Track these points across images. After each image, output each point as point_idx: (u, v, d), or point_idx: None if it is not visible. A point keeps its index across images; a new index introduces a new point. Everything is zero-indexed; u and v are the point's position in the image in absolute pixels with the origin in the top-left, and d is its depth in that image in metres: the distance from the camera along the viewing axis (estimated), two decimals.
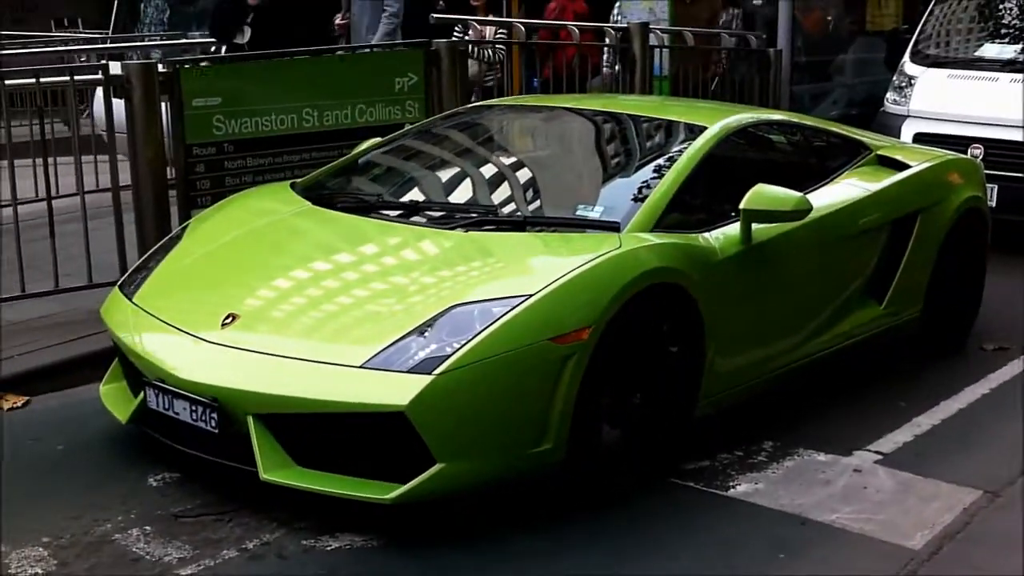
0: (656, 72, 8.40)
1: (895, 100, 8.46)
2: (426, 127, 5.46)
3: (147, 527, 3.68)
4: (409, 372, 3.52)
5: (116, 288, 4.51)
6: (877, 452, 4.38)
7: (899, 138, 7.76)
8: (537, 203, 4.68)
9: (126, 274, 4.72)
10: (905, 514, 3.86)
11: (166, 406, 3.84)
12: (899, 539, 3.69)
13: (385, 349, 3.60)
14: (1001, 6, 8.77)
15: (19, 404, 4.71)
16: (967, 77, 8.21)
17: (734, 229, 4.37)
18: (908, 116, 8.21)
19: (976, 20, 8.91)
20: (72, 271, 5.74)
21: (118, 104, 5.63)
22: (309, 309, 3.98)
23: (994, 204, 7.44)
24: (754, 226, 4.39)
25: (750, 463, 4.26)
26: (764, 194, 4.32)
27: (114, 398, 4.28)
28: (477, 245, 4.16)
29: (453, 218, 4.38)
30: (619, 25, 8.62)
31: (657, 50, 8.47)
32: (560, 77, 7.81)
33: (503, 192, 4.75)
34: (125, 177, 5.80)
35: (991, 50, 8.51)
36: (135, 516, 3.75)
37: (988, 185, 7.31)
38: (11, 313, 5.51)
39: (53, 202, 5.77)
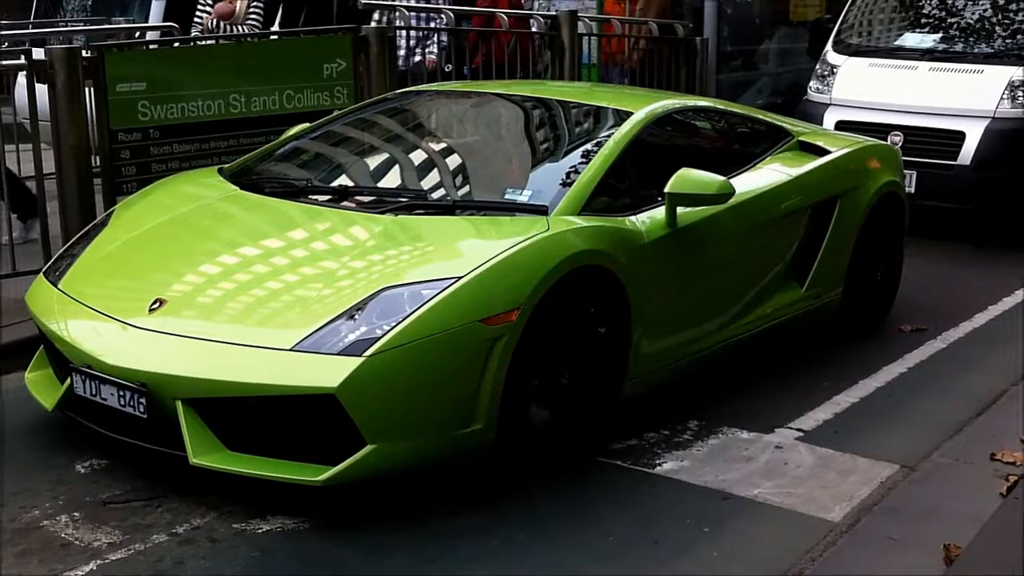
0: (584, 60, 8.47)
1: (818, 88, 8.64)
2: (355, 112, 5.47)
3: (76, 513, 3.66)
4: (339, 355, 3.54)
5: (41, 275, 4.46)
6: (798, 429, 4.51)
7: (821, 125, 7.94)
8: (466, 188, 4.72)
9: (51, 261, 4.66)
10: (824, 488, 3.98)
11: (93, 392, 3.82)
12: (819, 512, 3.81)
13: (315, 332, 3.62)
14: None
15: None
16: (888, 66, 8.41)
17: (660, 213, 4.45)
18: (830, 104, 8.39)
19: (897, 10, 9.11)
20: None
21: (41, 90, 5.55)
22: (238, 294, 3.98)
23: (913, 190, 7.65)
24: (679, 210, 4.48)
25: (676, 441, 4.36)
26: (688, 178, 4.40)
27: (40, 385, 4.24)
28: (406, 229, 4.19)
29: (382, 203, 4.41)
30: (548, 13, 8.67)
31: (585, 38, 8.54)
32: (490, 65, 7.84)
33: (432, 177, 4.79)
34: (49, 165, 5.73)
35: (911, 39, 8.72)
36: (63, 502, 3.73)
37: (907, 171, 7.52)
38: None
39: None
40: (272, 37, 6.91)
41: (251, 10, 7.35)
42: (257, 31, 7.29)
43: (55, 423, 4.20)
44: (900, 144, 7.64)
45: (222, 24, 7.34)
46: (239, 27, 7.28)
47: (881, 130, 7.73)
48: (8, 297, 5.35)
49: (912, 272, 6.23)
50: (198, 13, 7.82)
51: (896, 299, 6.02)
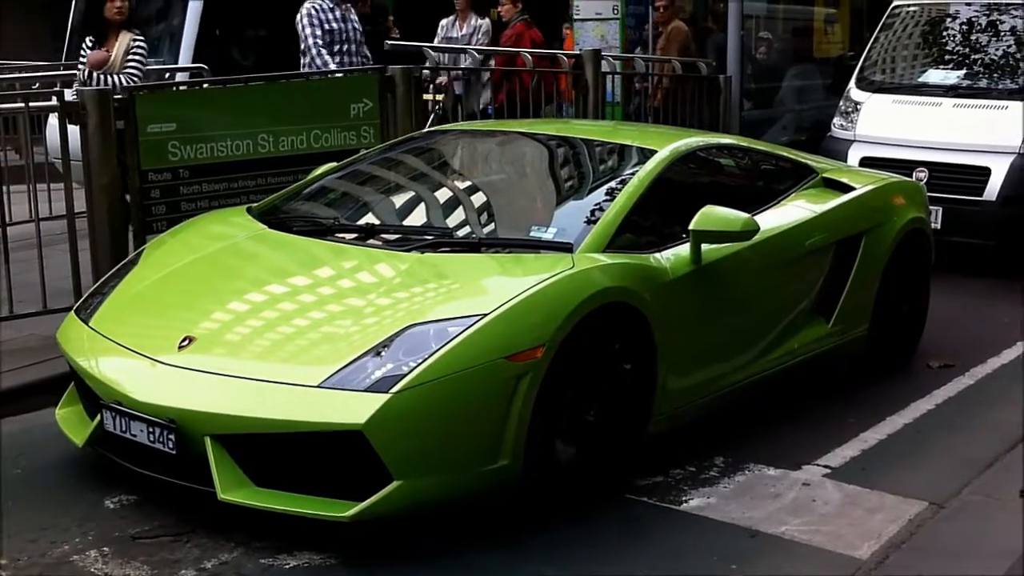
0: (608, 98, 8.53)
1: (842, 125, 8.66)
2: (381, 152, 5.53)
3: (105, 548, 3.69)
4: (366, 391, 3.57)
5: (72, 313, 4.52)
6: (825, 466, 4.49)
7: (846, 162, 7.95)
8: (491, 225, 4.76)
9: (82, 299, 4.72)
10: (852, 525, 3.96)
11: (123, 428, 3.86)
12: (846, 549, 3.78)
13: (342, 369, 3.65)
14: (944, 33, 9.01)
15: None
16: (911, 102, 8.42)
17: (684, 250, 4.47)
18: (854, 141, 8.40)
19: (920, 47, 9.14)
20: (27, 298, 5.74)
21: (73, 130, 5.64)
22: (266, 331, 4.02)
23: (939, 226, 7.64)
24: (704, 247, 4.50)
25: (702, 478, 4.35)
26: (712, 215, 4.42)
27: (70, 422, 4.29)
28: (432, 267, 4.23)
29: (408, 240, 4.45)
30: (572, 52, 8.75)
31: (609, 76, 8.61)
32: (515, 103, 7.92)
33: (458, 215, 4.83)
34: (80, 204, 5.82)
35: (935, 76, 8.73)
36: (93, 538, 3.76)
37: (933, 207, 7.51)
38: None
39: (8, 229, 5.76)
40: (299, 78, 6.96)
41: (130, 59, 6.77)
42: (139, 80, 6.75)
43: (85, 459, 4.24)
44: (925, 180, 7.64)
45: (95, 75, 6.72)
46: (115, 76, 6.70)
47: (906, 166, 7.73)
48: (39, 334, 5.41)
49: (939, 308, 6.21)
50: (79, 64, 7.14)
51: (923, 335, 5.99)
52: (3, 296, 5.65)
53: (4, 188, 5.95)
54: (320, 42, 7.33)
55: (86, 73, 6.74)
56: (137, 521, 3.87)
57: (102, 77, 6.64)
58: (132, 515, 3.92)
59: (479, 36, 9.03)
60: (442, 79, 8.31)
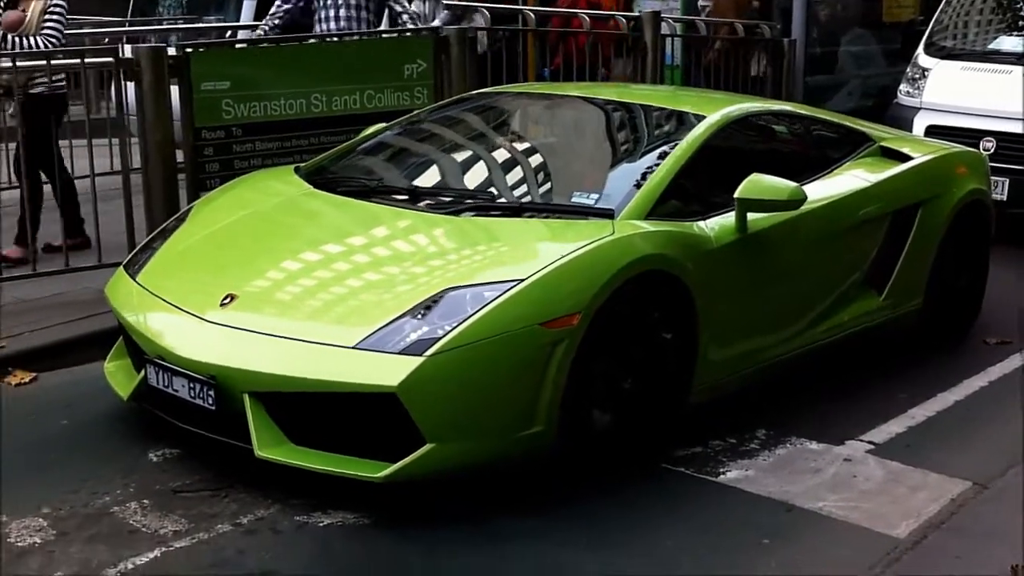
0: (668, 61, 8.40)
1: (908, 92, 8.44)
2: (430, 113, 5.51)
3: (145, 500, 3.77)
4: (400, 353, 3.58)
5: (121, 268, 4.59)
6: (870, 442, 4.42)
7: (911, 131, 7.76)
8: (536, 189, 4.73)
9: (131, 254, 4.80)
10: (892, 503, 3.90)
11: (166, 383, 3.93)
12: (884, 528, 3.73)
13: (378, 331, 3.67)
14: None
15: (27, 380, 4.81)
16: (981, 70, 8.18)
17: (730, 218, 4.41)
18: (921, 108, 8.19)
19: (995, 11, 8.86)
20: (83, 251, 5.84)
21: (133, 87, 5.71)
22: (307, 291, 4.05)
23: (1005, 198, 7.44)
24: (751, 216, 4.43)
25: (742, 450, 4.31)
26: (759, 183, 4.35)
27: (117, 376, 4.37)
28: (473, 230, 4.22)
29: (452, 203, 4.44)
30: (631, 14, 8.63)
31: (669, 39, 8.48)
32: (571, 66, 7.84)
33: (501, 178, 4.81)
34: (136, 161, 5.90)
35: (1008, 43, 8.46)
36: (134, 490, 3.84)
37: (1000, 179, 7.33)
38: (22, 291, 5.61)
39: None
40: (353, 37, 6.95)
41: (47, 19, 6.20)
42: (57, 42, 6.20)
43: (132, 412, 4.32)
44: (993, 150, 7.44)
45: (9, 37, 6.12)
46: (32, 38, 6.13)
47: (973, 135, 7.52)
48: (93, 288, 5.51)
49: (1000, 283, 6.06)
50: None
51: (982, 310, 5.85)
52: (61, 249, 5.76)
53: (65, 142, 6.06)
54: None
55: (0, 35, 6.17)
56: (178, 475, 3.95)
57: (16, 39, 6.13)
58: (174, 469, 3.99)
59: None
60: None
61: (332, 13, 7.07)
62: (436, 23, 7.52)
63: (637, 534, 3.65)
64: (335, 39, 6.85)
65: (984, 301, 5.85)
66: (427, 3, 7.71)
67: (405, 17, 7.18)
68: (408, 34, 6.93)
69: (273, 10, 7.29)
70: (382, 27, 7.27)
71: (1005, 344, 5.66)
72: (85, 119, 5.91)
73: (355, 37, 6.92)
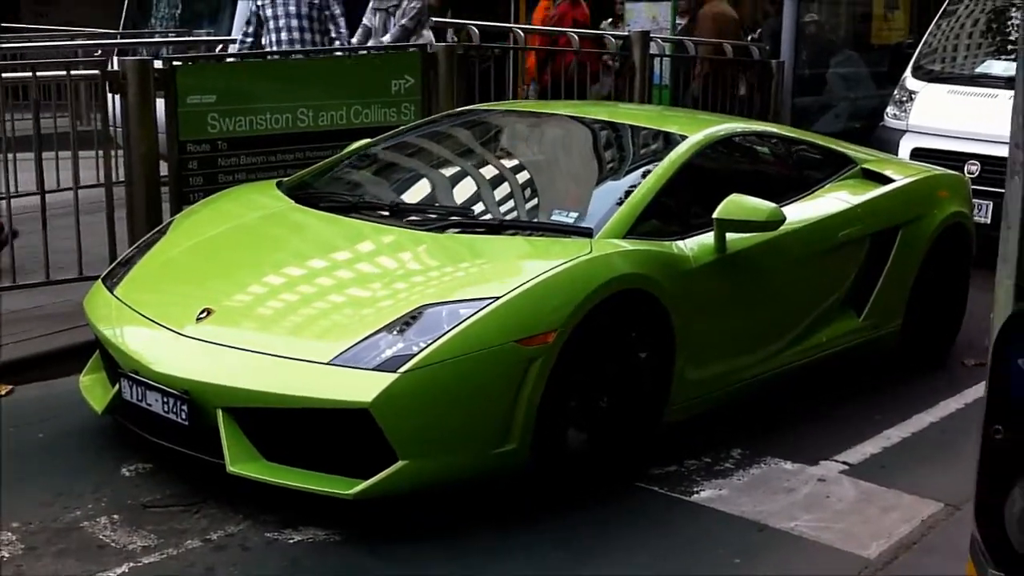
0: (656, 81, 8.44)
1: (895, 115, 8.49)
2: (414, 129, 5.53)
3: (116, 515, 3.75)
4: (375, 370, 3.58)
5: (99, 281, 4.59)
6: (844, 463, 4.42)
7: (897, 153, 7.79)
8: (516, 207, 4.74)
9: (110, 267, 4.79)
10: (864, 523, 3.90)
11: (139, 398, 3.92)
12: (855, 548, 3.73)
13: (353, 347, 3.67)
14: (1009, 23, 8.77)
15: (3, 393, 4.80)
16: (967, 93, 8.23)
17: (709, 238, 4.42)
18: (907, 131, 8.24)
19: (984, 35, 8.90)
20: (64, 263, 5.84)
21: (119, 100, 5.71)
22: (283, 306, 4.05)
23: (988, 220, 7.47)
24: (731, 236, 4.44)
25: (717, 470, 4.31)
26: (738, 204, 4.36)
27: (92, 389, 4.36)
28: (451, 247, 4.23)
29: (431, 220, 4.45)
30: (620, 33, 8.66)
31: (657, 59, 8.52)
32: (559, 84, 7.87)
33: (483, 195, 4.82)
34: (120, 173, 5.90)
35: (995, 67, 8.51)
36: (105, 504, 3.83)
37: (984, 201, 7.36)
38: (3, 303, 5.60)
39: (48, 196, 5.87)
40: (340, 53, 6.97)
41: None
42: None
43: (107, 426, 4.31)
44: (977, 173, 7.47)
45: None
46: None
47: (958, 158, 7.57)
48: (74, 300, 5.50)
49: (980, 305, 6.05)
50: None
51: (961, 332, 5.87)
52: (41, 262, 5.75)
53: (45, 155, 6.05)
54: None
55: None
56: (150, 490, 3.93)
57: None
58: (146, 484, 3.98)
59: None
60: None
61: (274, 38, 7.11)
62: (386, 39, 7.54)
63: (610, 552, 3.65)
64: (323, 54, 6.86)
65: (963, 323, 5.86)
66: (378, 16, 7.71)
67: (338, 43, 7.16)
68: (397, 50, 6.95)
69: (240, 36, 7.36)
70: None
71: (982, 366, 5.65)
72: (71, 130, 5.91)
73: (342, 53, 6.94)
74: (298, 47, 7.04)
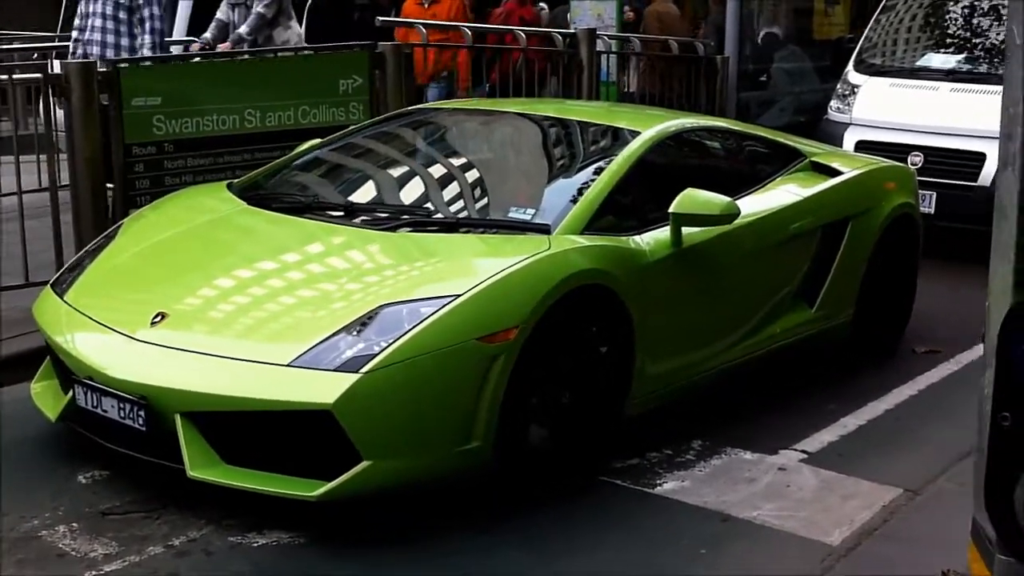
0: (603, 78, 8.47)
1: (838, 108, 8.60)
2: (366, 128, 5.49)
3: (74, 524, 3.68)
4: (336, 371, 3.55)
5: (48, 286, 4.50)
6: (803, 451, 4.47)
7: (841, 146, 7.90)
8: (472, 205, 4.72)
9: (58, 273, 4.70)
10: (825, 511, 3.95)
11: (95, 404, 3.85)
12: (818, 535, 3.77)
13: (313, 348, 3.63)
14: (947, 16, 8.92)
15: None
16: (909, 86, 8.36)
17: (665, 233, 4.44)
18: (851, 124, 8.35)
19: (922, 29, 9.05)
20: (10, 270, 5.72)
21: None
22: (240, 309, 4.00)
23: (932, 211, 7.61)
24: (686, 230, 4.47)
25: (678, 461, 4.33)
26: (693, 198, 4.39)
27: (44, 396, 4.28)
28: (408, 246, 4.20)
29: (387, 219, 4.42)
30: (566, 31, 8.69)
31: (604, 56, 8.55)
32: (508, 82, 7.87)
33: (437, 194, 4.80)
34: (64, 177, 5.79)
35: (935, 60, 8.66)
36: (63, 513, 3.76)
37: (927, 192, 7.49)
38: None
39: None
40: (287, 53, 6.91)
41: None
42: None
43: (60, 434, 4.23)
44: (920, 164, 7.59)
45: None
46: None
47: (901, 150, 7.69)
48: (20, 307, 5.39)
49: (929, 294, 6.17)
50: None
51: (911, 321, 5.96)
52: None
53: None
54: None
55: None
56: (108, 497, 3.87)
57: None
58: (103, 491, 3.91)
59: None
60: None
61: (87, 37, 6.76)
62: (243, 29, 7.45)
63: (576, 547, 3.65)
64: (269, 54, 6.79)
65: (913, 312, 5.95)
66: (237, 11, 7.62)
67: (145, 50, 6.77)
68: (344, 50, 6.90)
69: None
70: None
71: (933, 353, 5.77)
72: (13, 135, 5.80)
73: (289, 52, 6.88)
74: (107, 51, 6.64)
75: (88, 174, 5.59)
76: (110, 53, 6.57)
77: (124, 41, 6.75)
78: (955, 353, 5.78)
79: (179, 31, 9.51)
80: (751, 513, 3.92)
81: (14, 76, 5.85)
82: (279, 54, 6.85)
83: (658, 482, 4.15)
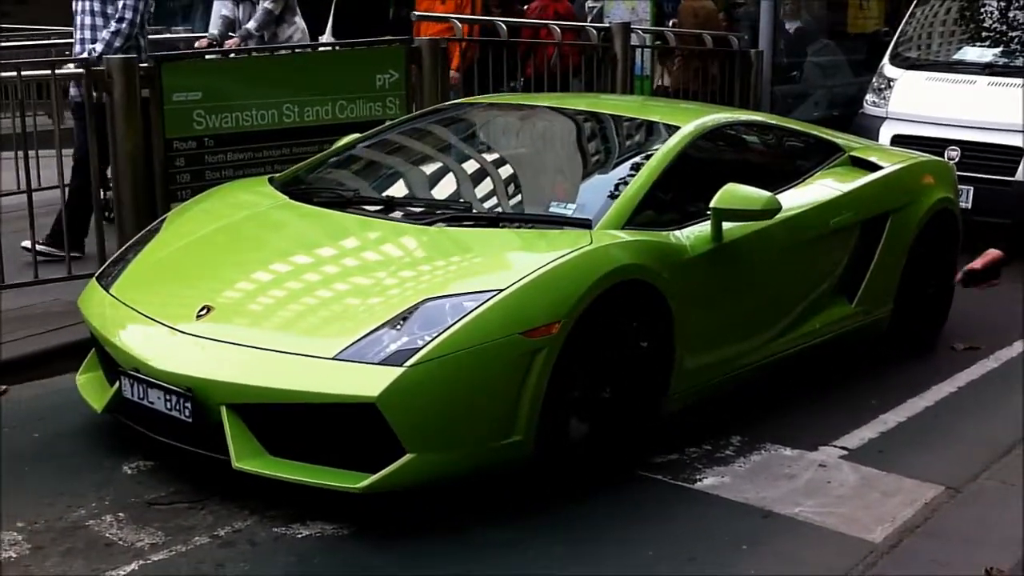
0: (637, 72, 8.45)
1: (874, 102, 8.55)
2: (405, 123, 5.52)
3: (121, 513, 3.73)
4: (380, 364, 3.58)
5: (93, 279, 4.55)
6: (843, 448, 4.46)
7: (877, 140, 7.85)
8: (512, 200, 4.74)
9: (103, 266, 4.76)
10: (867, 508, 3.94)
11: (141, 395, 3.89)
12: (860, 532, 3.76)
13: (357, 341, 3.66)
14: (982, 9, 8.85)
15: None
16: (945, 80, 8.30)
17: (705, 228, 4.44)
18: (887, 118, 8.30)
19: (957, 23, 8.99)
20: (52, 263, 5.79)
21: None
22: (284, 302, 4.03)
23: (970, 206, 7.55)
24: (726, 225, 4.46)
25: (718, 457, 4.33)
26: (734, 193, 4.39)
27: (90, 388, 4.33)
28: (451, 241, 4.22)
29: (428, 214, 4.43)
30: (601, 24, 8.68)
31: (638, 50, 8.53)
32: (542, 76, 7.86)
33: (478, 189, 4.82)
34: None
35: (971, 53, 8.60)
36: (109, 503, 3.80)
37: (964, 187, 7.43)
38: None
39: (35, 194, 5.82)
40: (325, 48, 6.94)
41: None
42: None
43: (105, 425, 4.28)
44: (957, 159, 7.54)
45: None
46: None
47: (938, 145, 7.63)
48: (63, 299, 5.46)
49: (967, 290, 6.11)
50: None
51: (950, 317, 5.93)
52: (30, 261, 5.70)
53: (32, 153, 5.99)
54: None
55: None
56: (153, 487, 3.91)
57: None
58: (149, 481, 3.96)
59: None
60: None
61: (77, 35, 6.57)
62: (250, 25, 7.47)
63: (615, 542, 3.66)
64: (308, 50, 6.83)
65: (951, 308, 5.92)
66: (242, 7, 7.63)
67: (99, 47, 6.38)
68: (382, 45, 6.93)
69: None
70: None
71: (973, 350, 5.73)
72: (55, 129, 5.86)
73: (327, 48, 6.91)
74: (86, 47, 6.41)
75: (130, 168, 5.64)
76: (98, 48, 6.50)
77: (105, 35, 6.52)
78: (994, 350, 5.74)
79: (213, 25, 9.55)
80: (792, 509, 3.91)
81: (58, 71, 5.89)
82: (317, 50, 6.87)
83: (697, 477, 4.15)
